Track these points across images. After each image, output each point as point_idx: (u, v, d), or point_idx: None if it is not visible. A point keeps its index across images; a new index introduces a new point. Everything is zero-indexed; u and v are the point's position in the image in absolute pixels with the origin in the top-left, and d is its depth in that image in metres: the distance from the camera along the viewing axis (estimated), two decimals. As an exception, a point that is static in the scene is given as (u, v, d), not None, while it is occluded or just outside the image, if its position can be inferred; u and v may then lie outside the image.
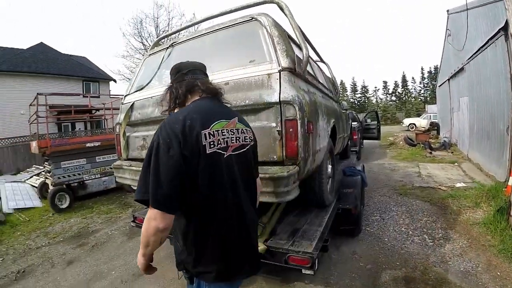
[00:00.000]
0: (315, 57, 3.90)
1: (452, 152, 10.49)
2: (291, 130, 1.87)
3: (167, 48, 2.91)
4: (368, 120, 12.39)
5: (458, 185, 6.05)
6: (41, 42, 19.45)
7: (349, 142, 6.21)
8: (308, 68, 2.65)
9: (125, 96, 3.19)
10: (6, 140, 12.23)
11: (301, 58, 2.22)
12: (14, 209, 6.59)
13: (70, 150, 6.74)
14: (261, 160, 1.97)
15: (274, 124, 1.93)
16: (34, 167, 11.04)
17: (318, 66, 3.86)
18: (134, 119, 2.94)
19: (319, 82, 3.08)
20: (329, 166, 3.06)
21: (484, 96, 7.10)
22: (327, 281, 2.93)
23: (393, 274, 2.98)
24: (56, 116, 11.39)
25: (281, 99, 1.89)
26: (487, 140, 6.87)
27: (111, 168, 7.02)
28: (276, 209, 2.71)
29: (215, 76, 2.22)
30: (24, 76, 15.83)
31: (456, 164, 8.39)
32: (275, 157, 1.94)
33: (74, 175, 6.83)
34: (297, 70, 2.09)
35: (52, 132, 11.35)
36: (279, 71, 1.97)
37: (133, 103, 2.95)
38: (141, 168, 2.19)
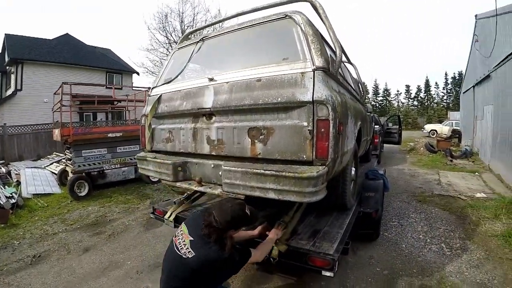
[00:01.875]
0: (343, 58, 3.86)
1: (473, 161, 10.21)
2: (322, 130, 1.85)
3: (197, 42, 2.92)
4: (390, 124, 12.22)
5: (478, 195, 5.88)
6: (67, 33, 19.92)
7: (370, 146, 6.12)
8: (340, 70, 2.62)
9: (153, 88, 3.22)
10: (29, 126, 12.61)
11: (334, 59, 2.20)
12: (33, 194, 6.77)
13: (92, 140, 6.88)
14: (289, 159, 1.98)
15: (305, 123, 1.91)
16: (55, 154, 11.37)
17: (346, 67, 3.81)
18: (161, 111, 2.96)
19: (348, 83, 3.05)
20: (353, 169, 3.03)
21: (509, 105, 6.87)
22: (343, 285, 2.91)
23: (409, 281, 2.94)
24: (78, 106, 11.64)
25: (314, 99, 1.87)
26: (510, 151, 6.65)
27: (131, 159, 7.23)
28: (298, 208, 2.69)
29: (247, 72, 2.23)
30: (50, 65, 16.31)
31: (477, 173, 8.16)
32: (304, 156, 1.92)
33: (94, 164, 6.97)
34: (331, 70, 2.07)
35: (74, 121, 11.66)
36: (313, 70, 1.95)
37: (161, 95, 2.97)
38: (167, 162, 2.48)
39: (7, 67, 16.60)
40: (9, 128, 12.08)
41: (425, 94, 52.88)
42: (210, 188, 2.40)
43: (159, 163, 2.80)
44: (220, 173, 2.20)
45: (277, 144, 2.03)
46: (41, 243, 4.29)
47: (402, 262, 3.32)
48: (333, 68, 2.11)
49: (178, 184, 2.64)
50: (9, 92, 16.15)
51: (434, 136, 19.54)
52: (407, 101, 54.62)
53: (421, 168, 9.45)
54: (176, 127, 2.81)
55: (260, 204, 3.12)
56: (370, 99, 54.41)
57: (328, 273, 2.08)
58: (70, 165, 7.03)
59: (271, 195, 1.88)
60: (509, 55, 6.69)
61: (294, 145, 1.95)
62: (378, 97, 56.70)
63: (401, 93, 56.28)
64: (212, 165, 2.44)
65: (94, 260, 3.71)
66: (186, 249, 1.81)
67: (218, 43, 2.78)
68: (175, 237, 1.96)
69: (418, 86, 53.68)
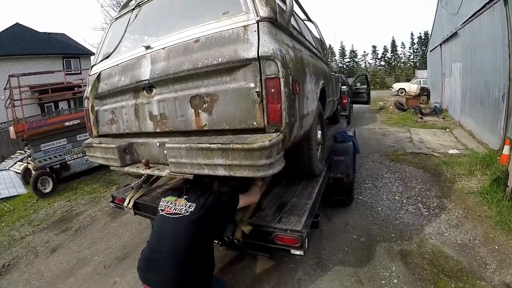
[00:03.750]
0: (302, 16, 3.55)
1: (443, 118, 10.34)
2: (273, 90, 1.59)
3: (134, 9, 2.55)
4: (358, 84, 12.13)
5: (451, 151, 5.91)
6: (17, 23, 18.30)
7: (338, 107, 5.97)
8: (294, 23, 2.34)
9: (92, 66, 2.85)
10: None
11: (284, 8, 1.91)
12: None
13: (49, 131, 6.39)
14: (239, 128, 1.73)
15: (252, 85, 1.65)
16: (18, 152, 10.59)
17: (305, 25, 3.49)
18: (101, 91, 2.63)
19: (306, 39, 2.76)
20: (319, 132, 2.82)
21: (478, 62, 6.83)
22: (319, 256, 2.78)
23: (388, 247, 2.84)
24: (37, 97, 10.74)
25: (260, 54, 1.60)
26: (480, 106, 6.69)
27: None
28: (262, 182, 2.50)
29: (185, 34, 1.93)
30: (1, 60, 14.88)
31: (447, 130, 8.25)
32: (255, 123, 1.68)
33: (55, 156, 6.55)
34: (279, 21, 1.78)
35: (35, 114, 10.82)
36: (257, 22, 1.66)
37: (100, 73, 2.64)
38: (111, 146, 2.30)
39: None
40: None
41: (392, 54, 53.58)
42: (158, 169, 2.14)
43: (104, 149, 2.51)
44: (165, 152, 1.93)
45: (223, 112, 1.77)
46: (9, 251, 4.02)
47: (379, 227, 3.22)
48: (282, 19, 1.83)
49: (125, 169, 2.36)
50: None
51: (403, 94, 19.74)
52: (374, 61, 55.46)
53: (392, 126, 9.45)
54: (118, 106, 2.49)
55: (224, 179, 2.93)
56: (337, 61, 54.71)
57: (297, 252, 1.91)
58: (31, 162, 6.57)
59: (221, 172, 1.65)
60: (477, 11, 6.56)
61: (242, 111, 1.70)
62: (345, 58, 57.13)
63: (367, 54, 57.12)
64: (158, 144, 2.18)
65: (61, 260, 3.52)
66: (185, 206, 1.89)
67: (155, 6, 2.43)
68: (165, 208, 1.95)
69: (385, 46, 54.52)
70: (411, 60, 52.14)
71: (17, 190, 6.84)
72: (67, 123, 6.59)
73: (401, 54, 53.94)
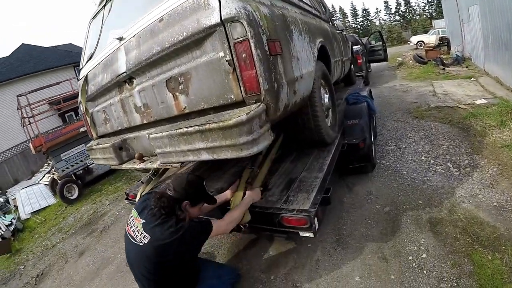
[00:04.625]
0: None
1: (466, 67, 9.49)
2: (243, 55, 1.38)
3: (105, 4, 2.44)
4: (372, 42, 11.46)
5: (478, 102, 5.34)
6: (23, 43, 18.70)
7: (352, 67, 5.58)
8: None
9: (80, 70, 2.80)
10: (13, 149, 12.30)
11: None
12: (31, 213, 6.67)
13: (66, 140, 6.55)
14: (218, 105, 1.55)
15: (221, 54, 1.45)
16: (46, 165, 11.16)
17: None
18: (90, 92, 2.56)
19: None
20: (326, 96, 2.57)
21: (497, 1, 6.08)
22: (339, 233, 2.56)
23: (415, 216, 2.53)
24: (54, 109, 11.04)
25: (222, 18, 1.39)
26: (505, 51, 5.97)
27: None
28: (264, 158, 2.31)
29: (149, 16, 1.77)
30: (15, 82, 15.22)
31: (473, 79, 7.51)
32: (232, 97, 1.49)
33: (76, 163, 6.74)
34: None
35: (57, 125, 11.19)
36: None
37: (86, 75, 2.57)
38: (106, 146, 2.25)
39: None
40: None
41: (406, 7, 50.50)
42: (150, 162, 2.04)
43: (101, 149, 2.47)
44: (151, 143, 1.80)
45: (199, 90, 1.60)
46: (42, 260, 4.20)
47: (405, 193, 2.92)
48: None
49: (123, 166, 2.29)
50: None
51: (422, 47, 18.44)
52: (389, 17, 52.54)
53: (413, 81, 8.77)
54: (107, 105, 2.42)
55: (228, 162, 2.77)
56: (350, 22, 52.65)
57: (306, 234, 1.74)
58: (55, 172, 6.81)
59: (205, 156, 1.49)
60: None
61: (217, 85, 1.52)
62: (358, 18, 54.48)
63: (380, 10, 55.16)
64: (147, 136, 2.05)
65: (88, 262, 3.60)
66: (140, 234, 1.63)
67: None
68: (128, 225, 1.78)
69: (397, 0, 51.21)
70: (427, 11, 48.68)
71: (47, 201, 7.17)
72: (81, 129, 6.69)
73: (415, 6, 50.89)
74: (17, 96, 6.58)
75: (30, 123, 6.57)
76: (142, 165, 2.07)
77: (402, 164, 3.54)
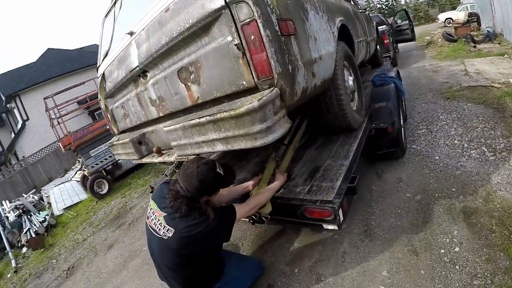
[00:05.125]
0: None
1: (499, 43, 8.79)
2: (252, 37, 1.28)
3: (116, 1, 2.44)
4: (399, 21, 10.89)
5: (513, 80, 4.90)
6: (48, 48, 19.44)
7: (378, 48, 5.32)
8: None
9: (97, 68, 2.82)
10: (46, 148, 13.00)
11: None
12: (64, 209, 7.06)
13: (94, 138, 6.79)
14: (230, 93, 1.47)
15: (230, 38, 1.37)
16: (77, 162, 11.72)
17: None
18: (108, 89, 2.58)
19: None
20: (350, 78, 2.41)
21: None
22: (367, 223, 2.42)
23: (448, 205, 2.34)
24: (82, 107, 11.50)
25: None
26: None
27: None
28: (287, 146, 2.22)
29: (156, 8, 1.72)
30: (44, 85, 15.89)
31: (506, 56, 6.94)
32: (244, 83, 1.40)
33: (105, 159, 6.96)
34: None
35: (87, 124, 11.69)
36: None
37: (103, 73, 2.58)
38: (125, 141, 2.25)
39: (7, 105, 16.67)
40: (29, 158, 12.60)
41: None
42: (168, 155, 2.02)
43: (122, 145, 2.49)
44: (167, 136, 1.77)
45: (210, 79, 1.53)
46: (73, 254, 4.41)
47: (437, 180, 2.70)
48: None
49: (144, 160, 2.30)
50: (19, 126, 16.25)
51: (451, 24, 17.43)
52: None
53: (443, 60, 8.20)
54: (125, 100, 2.44)
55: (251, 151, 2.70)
56: (374, 2, 49.69)
57: (330, 226, 1.64)
58: (86, 169, 7.11)
59: (220, 147, 1.43)
60: None
61: (228, 72, 1.44)
62: None
63: None
64: (164, 129, 2.04)
65: (116, 255, 3.71)
66: (163, 228, 1.59)
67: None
68: (148, 218, 1.74)
69: None
70: (454, -14, 45.45)
71: (79, 197, 7.56)
72: (108, 126, 6.91)
73: (441, -18, 47.19)
74: (44, 98, 6.87)
75: (58, 123, 6.85)
76: (160, 159, 2.06)
77: (434, 148, 3.30)
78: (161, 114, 2.01)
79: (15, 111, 16.41)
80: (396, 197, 2.64)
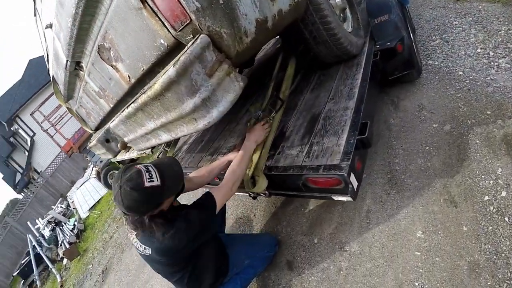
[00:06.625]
0: None
1: None
2: None
3: None
4: None
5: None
6: (30, 60, 18.63)
7: None
8: None
9: (48, 72, 2.47)
10: (59, 156, 13.15)
11: None
12: (88, 210, 7.21)
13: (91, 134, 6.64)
14: (156, 61, 1.08)
15: None
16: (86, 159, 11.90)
17: None
18: (63, 92, 2.22)
19: None
20: None
21: None
22: (390, 169, 2.00)
23: (485, 133, 1.83)
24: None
25: None
26: None
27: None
28: (276, 97, 1.81)
29: None
30: (36, 98, 15.57)
31: None
32: (162, 41, 0.98)
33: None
34: None
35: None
36: None
37: (52, 76, 2.26)
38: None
39: (12, 129, 16.67)
40: (47, 170, 12.90)
41: None
42: (133, 151, 1.72)
43: (95, 146, 2.22)
44: None
45: (128, 50, 1.13)
46: (105, 255, 4.47)
47: (467, 102, 2.16)
48: None
49: (118, 157, 2.04)
50: (29, 143, 16.38)
51: None
52: None
53: None
54: (79, 99, 2.08)
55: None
56: None
57: (341, 198, 1.30)
58: (96, 166, 7.08)
59: (165, 137, 1.13)
60: None
61: (140, 34, 1.03)
62: None
63: None
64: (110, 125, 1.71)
65: (141, 249, 3.71)
66: (140, 246, 1.40)
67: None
68: (128, 232, 1.53)
69: None
70: None
71: (99, 193, 7.66)
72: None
73: None
74: (30, 115, 6.68)
75: (56, 131, 6.69)
76: (126, 155, 1.76)
77: (455, 61, 2.67)
78: (111, 105, 1.64)
79: (20, 131, 16.61)
80: (420, 130, 2.14)
